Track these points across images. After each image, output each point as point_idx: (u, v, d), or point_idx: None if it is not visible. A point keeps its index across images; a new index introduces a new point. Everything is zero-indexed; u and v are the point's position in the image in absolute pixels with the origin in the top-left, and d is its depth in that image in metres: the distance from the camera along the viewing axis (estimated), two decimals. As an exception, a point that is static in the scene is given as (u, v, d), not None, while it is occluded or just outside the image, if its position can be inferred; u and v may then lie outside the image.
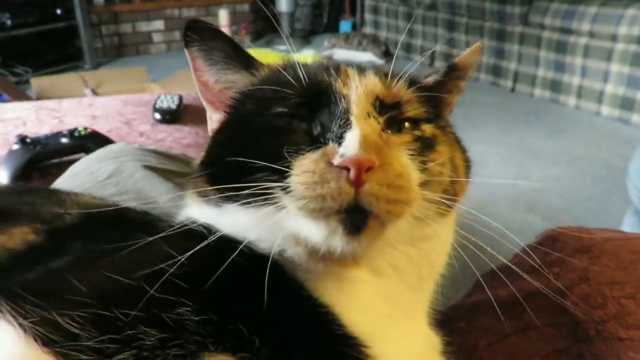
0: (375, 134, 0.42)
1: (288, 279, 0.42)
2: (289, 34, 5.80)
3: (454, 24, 4.69)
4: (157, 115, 1.66)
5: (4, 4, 4.37)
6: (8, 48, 4.37)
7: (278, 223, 0.41)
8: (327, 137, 0.42)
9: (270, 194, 0.42)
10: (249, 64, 0.55)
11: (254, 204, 0.42)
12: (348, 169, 0.38)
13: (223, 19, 5.07)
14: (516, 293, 0.47)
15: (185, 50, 0.54)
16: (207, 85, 0.56)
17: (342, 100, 0.45)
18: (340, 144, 0.40)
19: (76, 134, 1.37)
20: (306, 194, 0.39)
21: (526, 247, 0.54)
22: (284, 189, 0.41)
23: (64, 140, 1.35)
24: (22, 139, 1.32)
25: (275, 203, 0.42)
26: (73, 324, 0.34)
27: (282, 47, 5.38)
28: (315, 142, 0.43)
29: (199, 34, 0.53)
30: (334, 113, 0.45)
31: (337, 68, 0.51)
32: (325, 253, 0.42)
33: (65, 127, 1.48)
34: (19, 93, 3.37)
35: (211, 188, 0.48)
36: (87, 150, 1.31)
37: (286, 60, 0.55)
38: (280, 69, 0.53)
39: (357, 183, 0.38)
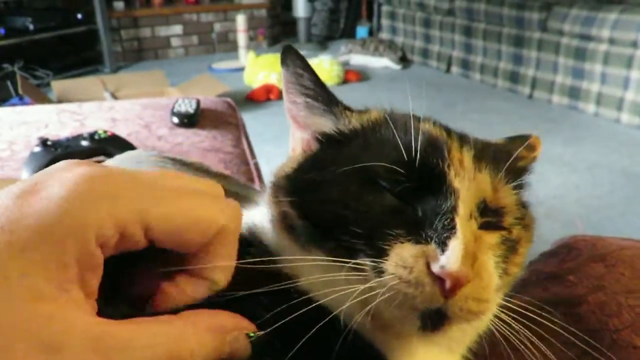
0: (473, 237, 0.42)
1: (339, 326, 0.42)
2: (306, 39, 5.83)
3: (471, 30, 4.67)
4: (175, 119, 1.67)
5: (26, 9, 4.46)
6: (30, 52, 4.46)
7: (352, 289, 0.41)
8: (430, 235, 0.42)
9: (358, 263, 0.42)
10: (333, 107, 0.54)
11: (336, 263, 0.43)
12: (443, 279, 0.39)
13: (240, 24, 5.12)
14: (531, 300, 0.47)
15: (281, 69, 0.55)
16: (292, 103, 0.55)
17: (452, 195, 0.44)
18: (442, 248, 0.40)
19: (96, 136, 1.39)
20: (397, 288, 0.40)
21: (541, 255, 0.53)
22: (375, 269, 0.41)
23: (85, 142, 1.37)
24: (44, 142, 1.34)
25: (360, 273, 0.42)
26: None
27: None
28: (415, 232, 0.42)
29: (294, 57, 0.53)
30: (440, 208, 0.43)
31: (447, 147, 0.48)
32: (389, 328, 0.43)
33: (86, 129, 1.51)
34: (41, 96, 3.44)
35: (298, 219, 0.47)
36: (108, 153, 1.32)
37: (384, 113, 0.53)
38: (383, 125, 0.51)
39: (449, 295, 0.39)
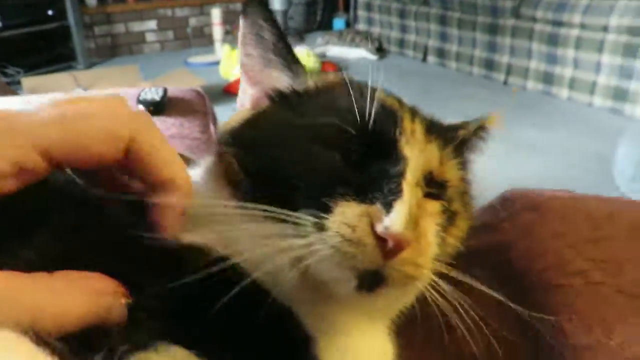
0: (417, 204, 0.42)
1: (257, 288, 0.41)
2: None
3: (446, 19, 4.69)
4: (141, 107, 1.65)
5: (-5, 5, 4.38)
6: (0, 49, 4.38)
7: (287, 247, 0.40)
8: (375, 196, 0.41)
9: (296, 218, 0.41)
10: (293, 64, 0.54)
11: (272, 220, 0.41)
12: (385, 240, 0.39)
13: (216, 18, 5.08)
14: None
15: (241, 18, 0.53)
16: (248, 57, 0.54)
17: (401, 162, 0.44)
18: (387, 209, 0.40)
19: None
20: (339, 246, 0.39)
21: (479, 209, 0.54)
22: (317, 225, 0.41)
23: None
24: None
25: (296, 227, 0.41)
26: None
27: (276, 45, 5.39)
28: (362, 192, 0.42)
29: (256, 9, 0.52)
30: (388, 172, 0.43)
31: (400, 116, 0.48)
32: (320, 289, 0.42)
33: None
34: (10, 93, 3.37)
35: (240, 172, 0.46)
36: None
37: (341, 78, 0.53)
38: (339, 88, 0.51)
39: (389, 257, 0.39)
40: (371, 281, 0.41)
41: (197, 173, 0.52)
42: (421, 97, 4.05)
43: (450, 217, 0.48)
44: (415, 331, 0.47)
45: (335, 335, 0.44)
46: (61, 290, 0.33)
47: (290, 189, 0.43)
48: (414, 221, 0.40)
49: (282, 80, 0.53)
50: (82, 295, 0.33)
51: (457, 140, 0.50)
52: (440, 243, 0.45)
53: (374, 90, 0.49)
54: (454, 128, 0.55)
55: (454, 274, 0.44)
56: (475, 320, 0.43)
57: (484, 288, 0.44)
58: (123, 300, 0.35)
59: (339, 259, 0.40)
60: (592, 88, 3.63)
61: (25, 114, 0.35)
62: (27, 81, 3.65)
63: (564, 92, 3.83)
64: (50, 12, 4.70)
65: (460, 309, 0.42)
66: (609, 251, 0.49)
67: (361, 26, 5.69)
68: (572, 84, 3.76)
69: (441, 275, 0.43)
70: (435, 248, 0.44)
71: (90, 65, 4.98)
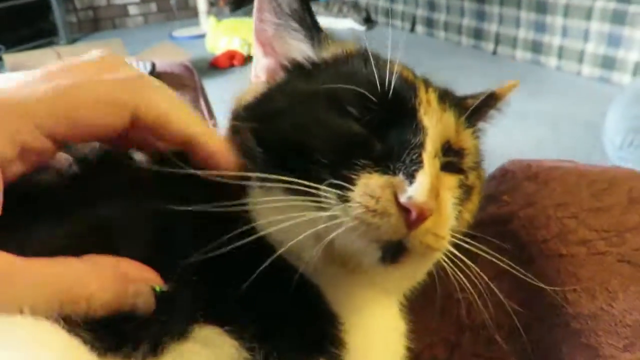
0: (436, 175, 0.42)
1: (284, 264, 0.41)
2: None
3: (434, -12, 4.63)
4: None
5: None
6: (-21, 25, 4.26)
7: (310, 220, 0.40)
8: (397, 167, 0.41)
9: (319, 191, 0.41)
10: (315, 33, 0.52)
11: (292, 189, 0.41)
12: (408, 210, 0.39)
13: (200, -11, 4.97)
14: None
15: None
16: (264, 24, 0.52)
17: (421, 132, 0.44)
18: (409, 180, 0.40)
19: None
20: (363, 217, 0.39)
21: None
22: (341, 197, 0.40)
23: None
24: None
25: (320, 202, 0.41)
26: None
27: (262, 17, 5.30)
28: (383, 163, 0.42)
29: None
30: (409, 142, 0.43)
31: (416, 86, 0.48)
32: (345, 262, 0.43)
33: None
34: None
35: (259, 147, 0.45)
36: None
37: (360, 48, 0.52)
38: (357, 58, 0.50)
39: (412, 227, 0.39)
40: (394, 252, 0.41)
41: None
42: (410, 67, 4.03)
43: (466, 191, 0.48)
44: (425, 307, 0.48)
45: (359, 314, 0.44)
46: (88, 274, 0.32)
47: (310, 161, 0.42)
48: (435, 191, 0.40)
49: (301, 49, 0.52)
50: (110, 280, 0.33)
51: (469, 108, 0.50)
52: (457, 216, 0.46)
53: (391, 61, 0.48)
54: (465, 97, 0.55)
55: (464, 244, 0.44)
56: (484, 287, 0.44)
57: (493, 254, 0.44)
58: (151, 287, 0.34)
59: (364, 230, 0.40)
60: (580, 57, 3.63)
61: (19, 93, 0.33)
62: (9, 58, 3.57)
63: (552, 61, 3.83)
64: (29, -14, 4.57)
65: (472, 277, 0.43)
66: (610, 220, 0.49)
67: (348, -4, 5.61)
68: (561, 53, 3.75)
69: (455, 245, 0.44)
70: (453, 220, 0.44)
71: (72, 41, 4.87)
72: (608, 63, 3.48)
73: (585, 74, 3.63)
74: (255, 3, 0.52)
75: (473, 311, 0.45)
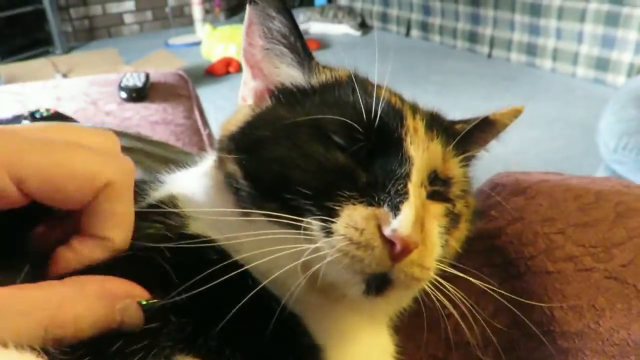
0: (421, 205, 0.42)
1: (265, 293, 0.40)
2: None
3: (428, -8, 4.65)
4: (123, 94, 1.62)
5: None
6: (-26, 36, 4.26)
7: (295, 252, 0.40)
8: (382, 198, 0.41)
9: (301, 221, 0.40)
10: (305, 59, 0.51)
11: (277, 222, 0.41)
12: (393, 243, 0.39)
13: (195, -3, 4.98)
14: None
15: (247, 6, 0.50)
16: (253, 47, 0.51)
17: (407, 162, 0.43)
18: (394, 212, 0.39)
19: (38, 115, 1.33)
20: (346, 249, 0.39)
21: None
22: (324, 229, 0.40)
23: (26, 122, 1.32)
24: (-18, 124, 1.29)
25: (305, 234, 0.40)
26: None
27: (257, 23, 5.30)
28: (368, 194, 0.41)
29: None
30: (394, 173, 0.43)
31: (404, 114, 0.47)
32: (329, 293, 0.42)
33: (29, 109, 1.45)
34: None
35: (243, 179, 0.44)
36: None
37: (348, 73, 0.51)
38: (345, 85, 0.49)
39: (397, 260, 0.39)
40: (379, 284, 0.41)
41: (194, 174, 0.51)
42: (405, 72, 4.05)
43: (453, 219, 0.48)
44: (415, 323, 0.47)
45: (343, 343, 0.44)
46: (72, 296, 0.31)
47: (296, 193, 0.42)
48: (420, 223, 0.40)
49: (290, 75, 0.51)
50: (96, 299, 0.32)
51: (458, 135, 0.49)
52: (444, 245, 0.45)
53: (379, 87, 0.47)
54: (455, 122, 0.54)
55: (450, 270, 0.44)
56: (469, 309, 0.43)
57: (477, 282, 0.44)
58: (138, 302, 0.34)
59: (348, 262, 0.39)
60: (574, 58, 3.64)
61: (9, 133, 0.33)
62: (5, 68, 3.57)
63: (547, 63, 3.84)
64: (23, -4, 4.57)
65: (456, 300, 0.43)
66: (597, 236, 0.49)
67: (343, 1, 5.62)
68: (555, 55, 3.76)
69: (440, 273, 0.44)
70: (439, 249, 0.44)
71: (68, 50, 4.87)
72: (602, 64, 3.49)
73: (580, 75, 3.64)
74: (245, 26, 0.51)
75: (461, 329, 0.45)
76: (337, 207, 0.41)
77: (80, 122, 1.38)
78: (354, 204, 0.41)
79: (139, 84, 1.66)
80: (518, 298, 0.46)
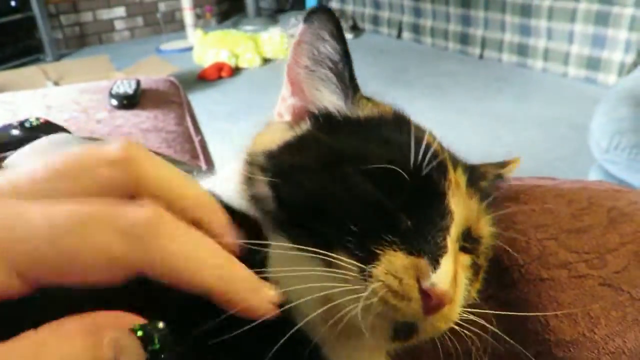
0: (456, 260, 0.41)
1: (286, 321, 0.38)
2: (255, 13, 5.71)
3: (419, -6, 4.66)
4: (114, 101, 1.61)
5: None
6: (-37, 44, 4.23)
7: (327, 289, 0.38)
8: (423, 249, 0.40)
9: (340, 261, 0.39)
10: (350, 89, 0.49)
11: (310, 260, 0.39)
12: (428, 295, 0.38)
13: (186, 2, 4.96)
14: None
15: (302, 24, 0.48)
16: (298, 65, 0.49)
17: (448, 217, 0.43)
18: (433, 265, 0.39)
19: (27, 124, 1.31)
20: (383, 296, 0.38)
21: None
22: (364, 272, 0.39)
23: (15, 132, 1.30)
24: (-30, 135, 1.27)
25: (338, 270, 0.39)
26: None
27: (249, 27, 5.30)
28: (409, 242, 0.40)
29: (323, 19, 0.48)
30: (436, 225, 0.42)
31: (447, 166, 0.46)
32: (354, 333, 0.41)
33: (18, 119, 1.44)
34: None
35: (274, 203, 0.42)
36: (40, 141, 1.27)
37: (392, 112, 0.50)
38: (391, 123, 0.48)
39: (430, 313, 0.39)
40: (406, 332, 0.40)
41: (219, 183, 0.49)
42: (397, 74, 4.05)
43: (476, 271, 0.47)
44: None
45: None
46: (51, 342, 0.28)
47: (332, 227, 0.40)
48: (454, 281, 0.40)
49: (333, 101, 0.49)
50: (78, 337, 0.28)
51: (490, 196, 0.49)
52: (467, 296, 0.45)
53: (424, 131, 0.46)
54: (489, 177, 0.54)
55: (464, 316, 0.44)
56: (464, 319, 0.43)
57: (478, 319, 0.44)
58: (131, 330, 0.30)
59: (382, 309, 0.38)
60: (566, 58, 3.66)
61: (5, 224, 0.29)
62: (-5, 77, 3.55)
63: (538, 64, 3.85)
64: (13, 3, 4.54)
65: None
66: (591, 242, 0.49)
67: (334, 4, 5.62)
68: (547, 55, 3.78)
69: None
70: (463, 301, 0.43)
71: (59, 57, 4.85)
72: (593, 64, 3.51)
73: (571, 75, 3.65)
74: (294, 42, 0.49)
75: (457, 338, 0.45)
76: (378, 251, 0.39)
77: (72, 132, 1.37)
78: (395, 250, 0.40)
79: (130, 91, 1.65)
80: (511, 313, 0.46)
